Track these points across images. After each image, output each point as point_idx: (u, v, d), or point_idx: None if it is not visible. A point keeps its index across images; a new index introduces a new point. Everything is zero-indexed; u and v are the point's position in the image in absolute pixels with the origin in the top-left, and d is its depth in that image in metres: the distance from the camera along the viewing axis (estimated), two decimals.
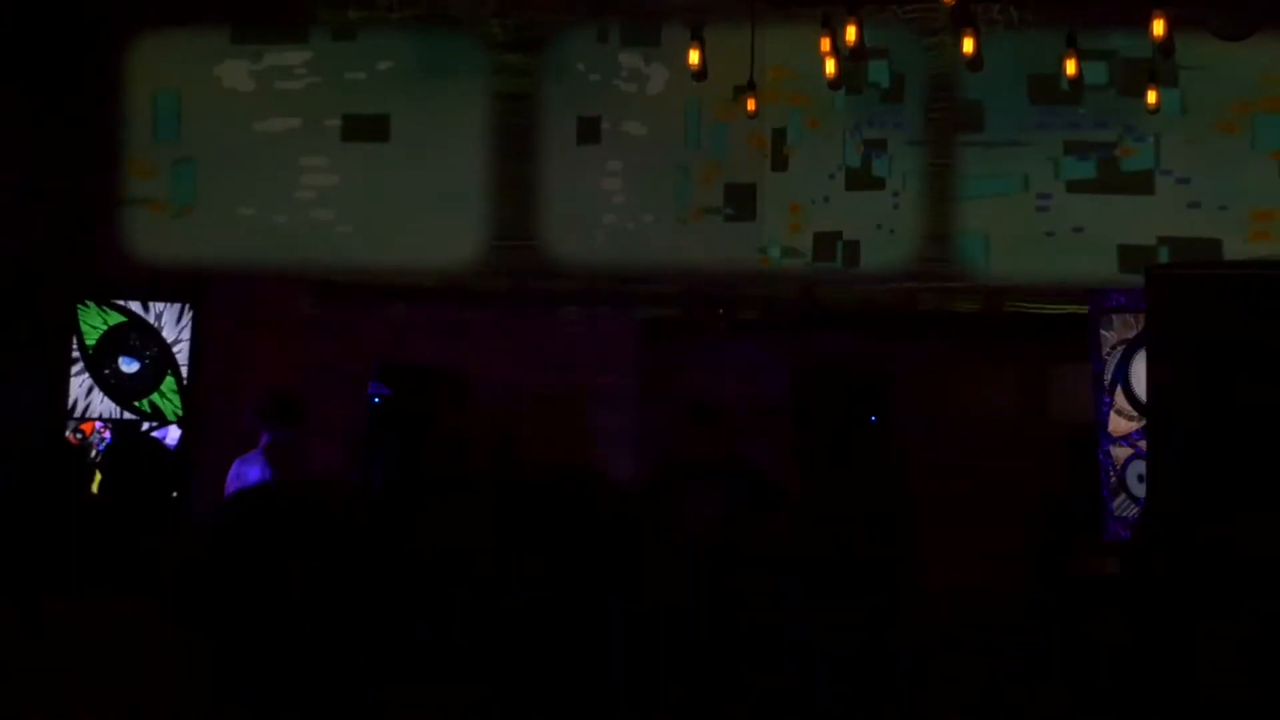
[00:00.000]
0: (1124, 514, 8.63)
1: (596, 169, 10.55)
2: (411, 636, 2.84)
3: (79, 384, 10.11)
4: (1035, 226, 10.10)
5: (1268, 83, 9.85)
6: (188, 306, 10.18)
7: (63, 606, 3.09)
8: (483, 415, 9.96)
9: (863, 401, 9.81)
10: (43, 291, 10.30)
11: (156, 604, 3.02)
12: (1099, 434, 8.72)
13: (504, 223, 10.62)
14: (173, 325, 10.15)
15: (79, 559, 4.18)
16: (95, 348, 10.11)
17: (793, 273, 10.33)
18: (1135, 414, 8.53)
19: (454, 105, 10.69)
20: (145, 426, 10.12)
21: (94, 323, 10.14)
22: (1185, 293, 7.11)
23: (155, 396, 10.12)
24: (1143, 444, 8.06)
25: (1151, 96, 8.94)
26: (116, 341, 10.14)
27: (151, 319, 10.15)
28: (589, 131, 10.56)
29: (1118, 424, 8.66)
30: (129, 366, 10.12)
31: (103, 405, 10.13)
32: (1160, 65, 8.77)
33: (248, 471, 9.24)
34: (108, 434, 10.08)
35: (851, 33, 8.15)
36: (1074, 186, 10.07)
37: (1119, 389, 8.66)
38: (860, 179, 10.29)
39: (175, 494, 5.50)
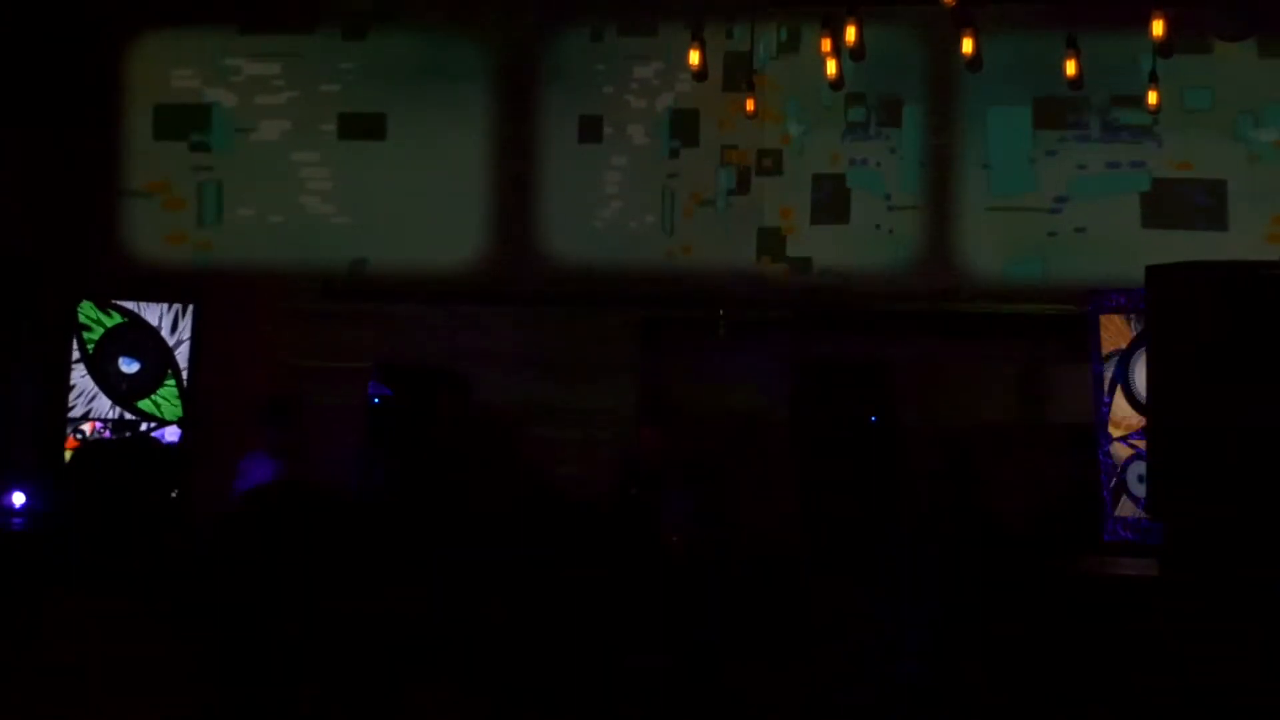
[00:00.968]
0: (1124, 514, 8.61)
1: (596, 169, 10.55)
2: (414, 632, 2.84)
3: (79, 383, 10.10)
4: (1036, 227, 10.11)
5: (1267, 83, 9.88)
6: (188, 306, 10.17)
7: (63, 604, 3.09)
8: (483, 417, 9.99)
9: (862, 402, 9.81)
10: (43, 291, 10.30)
11: (155, 603, 3.03)
12: (1099, 434, 8.71)
13: (504, 222, 10.62)
14: (172, 325, 10.14)
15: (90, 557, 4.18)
16: (95, 348, 10.12)
17: (792, 273, 10.33)
18: (1135, 414, 8.51)
19: (454, 105, 10.69)
20: (145, 426, 10.13)
21: (94, 322, 10.13)
22: (1185, 293, 7.11)
23: (155, 396, 10.11)
24: (1142, 444, 8.05)
25: (1152, 97, 8.95)
26: (116, 341, 10.13)
27: (152, 319, 10.15)
28: (589, 131, 10.56)
29: (1118, 424, 8.65)
30: (129, 367, 10.12)
31: (102, 405, 10.13)
32: (1160, 65, 8.76)
33: (252, 470, 9.29)
34: (107, 434, 10.08)
35: (851, 33, 8.16)
36: (1075, 187, 10.07)
37: (1119, 389, 8.65)
38: (860, 179, 10.30)
39: (175, 494, 5.50)
